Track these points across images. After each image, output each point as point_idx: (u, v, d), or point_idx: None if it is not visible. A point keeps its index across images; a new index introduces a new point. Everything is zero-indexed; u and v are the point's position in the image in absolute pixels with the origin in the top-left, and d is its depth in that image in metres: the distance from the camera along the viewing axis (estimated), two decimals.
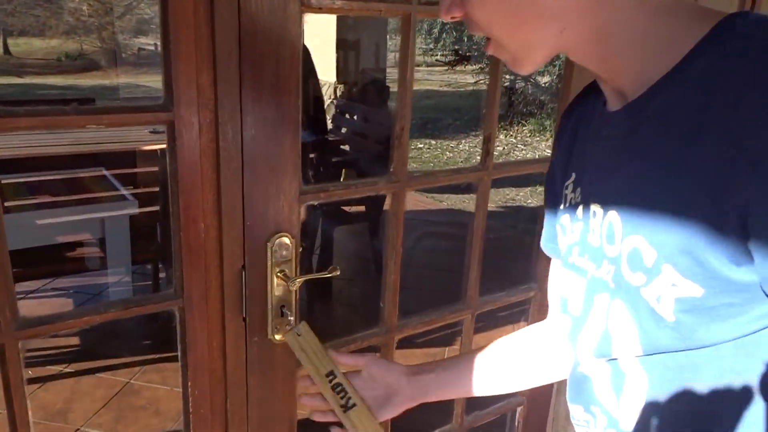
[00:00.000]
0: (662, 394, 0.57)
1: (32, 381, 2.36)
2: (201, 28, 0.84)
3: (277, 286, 1.00)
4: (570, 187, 0.68)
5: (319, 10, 0.95)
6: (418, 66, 15.42)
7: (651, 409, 0.58)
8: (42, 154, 2.69)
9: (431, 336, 2.41)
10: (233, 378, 1.02)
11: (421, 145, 7.68)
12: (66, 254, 2.61)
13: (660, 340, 0.54)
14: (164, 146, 0.86)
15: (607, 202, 0.58)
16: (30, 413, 0.87)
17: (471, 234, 1.27)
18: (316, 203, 2.97)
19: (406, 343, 2.56)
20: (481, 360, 0.87)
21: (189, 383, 0.99)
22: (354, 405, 0.86)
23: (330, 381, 0.88)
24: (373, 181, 1.10)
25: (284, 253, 1.00)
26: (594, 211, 0.61)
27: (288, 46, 0.91)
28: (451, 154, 7.41)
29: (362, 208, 3.35)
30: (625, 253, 0.55)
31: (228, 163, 0.91)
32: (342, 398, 0.87)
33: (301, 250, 1.02)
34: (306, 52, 2.18)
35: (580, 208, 0.64)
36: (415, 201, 4.83)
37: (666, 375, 0.56)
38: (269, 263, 0.98)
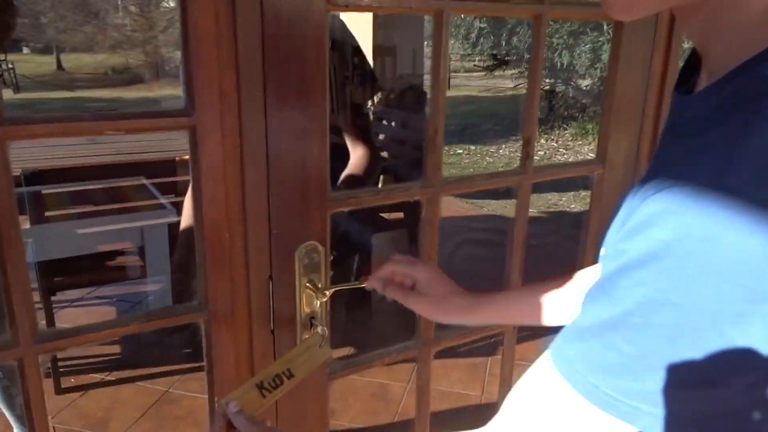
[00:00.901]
0: None
1: (74, 389, 2.39)
2: (222, 29, 0.80)
3: (306, 297, 0.96)
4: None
5: (346, 7, 0.90)
6: (456, 72, 15.31)
7: None
8: (84, 165, 2.73)
9: (475, 345, 2.35)
10: None
11: (461, 151, 7.59)
12: (107, 263, 2.64)
13: None
14: None
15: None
16: (51, 424, 0.84)
17: (512, 241, 1.20)
18: (353, 210, 2.95)
19: (450, 354, 2.50)
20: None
21: (216, 397, 0.95)
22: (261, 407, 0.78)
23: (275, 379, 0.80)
24: (406, 186, 1.05)
25: (313, 262, 0.95)
26: None
27: (313, 46, 0.87)
28: (491, 159, 7.30)
29: (401, 214, 3.30)
30: None
31: (253, 170, 0.87)
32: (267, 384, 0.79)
33: (332, 258, 0.98)
34: (357, 52, 2.11)
35: None
36: (456, 207, 4.75)
37: None
38: (297, 273, 0.94)
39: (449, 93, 13.10)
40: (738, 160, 0.41)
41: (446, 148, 7.77)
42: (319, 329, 0.97)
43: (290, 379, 0.81)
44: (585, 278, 0.84)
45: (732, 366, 0.42)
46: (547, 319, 0.85)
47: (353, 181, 1.96)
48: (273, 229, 0.91)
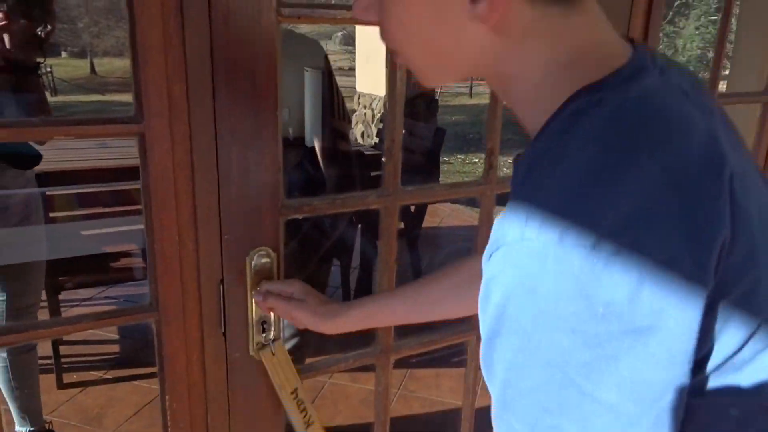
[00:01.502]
0: None
1: (75, 385, 2.45)
2: (171, 40, 0.83)
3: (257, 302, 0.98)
4: None
5: (298, 19, 0.93)
6: (482, 80, 15.21)
7: None
8: (91, 168, 2.81)
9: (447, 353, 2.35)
10: (213, 394, 1.01)
11: (476, 160, 7.58)
12: (111, 264, 2.71)
13: None
14: None
15: None
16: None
17: (475, 248, 1.21)
18: (353, 219, 2.98)
19: (443, 363, 2.50)
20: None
21: (167, 396, 0.98)
22: (313, 422, 0.84)
23: (294, 398, 0.86)
24: (363, 195, 1.07)
25: (265, 267, 0.97)
26: None
27: (265, 57, 0.89)
28: (507, 170, 7.26)
29: (401, 225, 3.32)
30: None
31: (203, 176, 0.90)
32: (304, 416, 0.85)
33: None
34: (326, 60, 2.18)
35: None
36: (465, 216, 4.74)
37: None
38: (248, 278, 0.96)
39: (471, 101, 13.10)
40: (533, 212, 0.42)
41: (462, 156, 7.76)
42: (272, 333, 1.00)
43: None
44: (466, 268, 0.88)
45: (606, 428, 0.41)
46: (426, 316, 0.90)
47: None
48: (224, 234, 0.94)
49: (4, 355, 1.91)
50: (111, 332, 2.85)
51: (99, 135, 0.85)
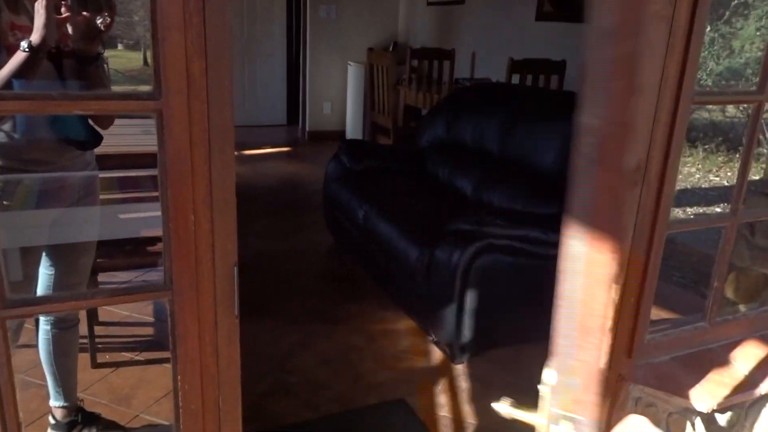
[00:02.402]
0: None
1: (108, 365, 2.51)
2: (192, 16, 0.83)
3: None
4: None
5: None
6: None
7: None
8: (134, 152, 2.86)
9: None
10: (225, 377, 1.00)
11: None
12: (149, 248, 2.76)
13: None
14: None
15: None
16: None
17: None
18: None
19: None
20: None
21: (179, 377, 0.97)
22: None
23: None
24: None
25: None
26: None
27: None
28: None
29: None
30: None
31: (220, 156, 0.89)
32: None
33: None
34: None
35: None
36: None
37: None
38: None
39: None
40: None
41: None
42: None
43: None
44: None
45: None
46: None
47: None
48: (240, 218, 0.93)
49: (48, 327, 1.97)
50: (147, 314, 2.91)
51: (117, 110, 0.86)
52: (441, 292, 2.43)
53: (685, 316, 1.33)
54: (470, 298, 2.37)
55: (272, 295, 3.16)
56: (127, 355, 2.57)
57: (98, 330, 2.51)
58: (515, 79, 4.33)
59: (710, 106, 6.30)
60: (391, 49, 6.77)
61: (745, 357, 1.27)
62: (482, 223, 2.33)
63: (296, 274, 3.42)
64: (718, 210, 5.25)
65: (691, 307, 1.36)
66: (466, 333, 2.45)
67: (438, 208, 3.01)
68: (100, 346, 2.53)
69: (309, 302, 3.09)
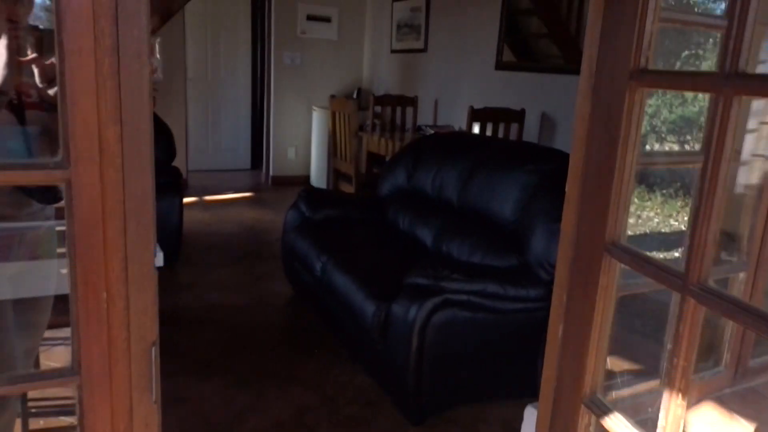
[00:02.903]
0: None
1: None
2: (106, 81, 0.77)
3: None
4: None
5: None
6: None
7: None
8: None
9: None
10: None
11: None
12: None
13: None
14: None
15: None
16: None
17: None
18: None
19: None
20: None
21: None
22: None
23: None
24: None
25: None
26: None
27: None
28: None
29: None
30: None
31: (137, 228, 0.82)
32: None
33: None
34: None
35: None
36: None
37: None
38: None
39: None
40: None
41: None
42: None
43: None
44: None
45: None
46: None
47: None
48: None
49: None
50: None
51: (20, 181, 0.78)
52: (398, 349, 2.35)
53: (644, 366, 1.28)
54: (428, 356, 2.29)
55: (224, 351, 3.02)
56: (67, 420, 2.40)
57: (32, 393, 2.34)
58: (476, 127, 4.37)
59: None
60: (355, 95, 6.81)
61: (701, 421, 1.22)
62: (439, 278, 2.27)
63: (251, 328, 3.29)
64: (677, 255, 5.32)
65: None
66: (424, 392, 2.36)
67: (397, 259, 2.95)
68: (33, 410, 2.36)
69: (263, 359, 2.95)
